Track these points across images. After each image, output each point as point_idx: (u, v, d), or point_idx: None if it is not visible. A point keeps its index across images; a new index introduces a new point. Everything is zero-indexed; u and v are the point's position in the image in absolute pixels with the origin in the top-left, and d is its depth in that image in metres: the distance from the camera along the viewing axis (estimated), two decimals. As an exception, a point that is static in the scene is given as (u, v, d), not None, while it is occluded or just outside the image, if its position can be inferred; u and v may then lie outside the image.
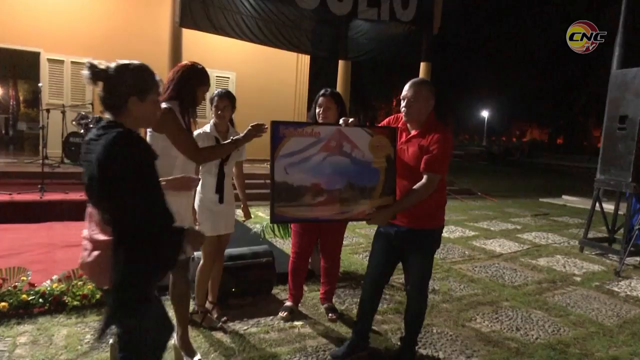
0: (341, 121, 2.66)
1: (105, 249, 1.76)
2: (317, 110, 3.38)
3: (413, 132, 2.76)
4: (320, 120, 3.33)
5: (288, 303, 3.67)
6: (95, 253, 1.83)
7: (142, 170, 1.71)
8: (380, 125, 2.98)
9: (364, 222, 6.98)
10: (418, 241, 2.79)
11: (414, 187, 2.64)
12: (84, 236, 1.94)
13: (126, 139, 1.70)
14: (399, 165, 2.76)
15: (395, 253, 2.89)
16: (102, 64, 1.79)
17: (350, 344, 3.05)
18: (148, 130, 2.64)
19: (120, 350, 1.95)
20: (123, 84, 1.79)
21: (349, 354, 3.02)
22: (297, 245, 3.60)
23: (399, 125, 2.86)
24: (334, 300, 3.84)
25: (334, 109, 3.36)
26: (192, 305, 3.48)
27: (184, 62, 2.83)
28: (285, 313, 3.56)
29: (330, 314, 3.61)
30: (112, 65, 1.80)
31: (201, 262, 3.37)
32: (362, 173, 2.59)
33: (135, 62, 1.85)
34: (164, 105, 2.58)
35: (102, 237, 1.79)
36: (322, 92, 3.43)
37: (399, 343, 3.13)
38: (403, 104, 2.74)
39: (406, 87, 2.74)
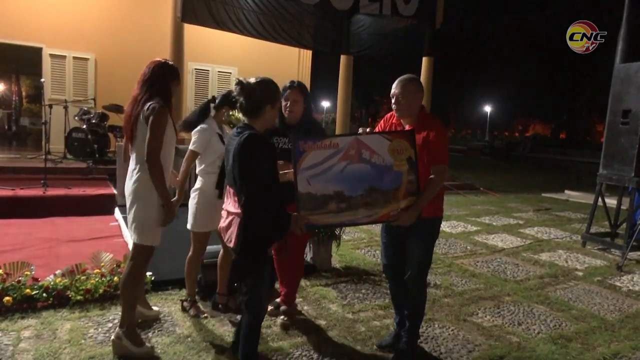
0: (360, 130, 2.76)
1: (234, 217, 2.40)
2: (284, 103, 3.26)
3: (407, 128, 2.85)
4: (286, 113, 3.30)
5: (277, 299, 3.61)
6: (228, 219, 2.47)
7: (264, 162, 2.32)
8: (377, 124, 3.11)
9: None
10: (417, 230, 2.83)
11: (429, 180, 2.74)
12: (224, 207, 2.57)
13: (254, 139, 2.32)
14: None
15: (401, 241, 2.96)
16: (246, 80, 2.44)
17: (395, 335, 3.16)
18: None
19: (245, 313, 2.52)
20: (261, 95, 2.42)
21: (394, 343, 3.11)
22: None
23: (394, 121, 2.97)
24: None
25: (301, 101, 3.30)
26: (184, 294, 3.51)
27: (156, 59, 2.87)
28: (271, 308, 3.51)
29: (282, 317, 3.41)
30: (252, 80, 2.45)
31: (190, 254, 3.46)
32: (384, 177, 2.65)
33: (266, 78, 2.51)
34: (155, 102, 2.66)
35: (233, 209, 2.43)
36: (288, 84, 3.33)
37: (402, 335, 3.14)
38: (393, 101, 2.86)
39: (394, 85, 2.87)
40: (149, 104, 2.70)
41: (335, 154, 2.59)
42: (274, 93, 2.48)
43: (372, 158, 2.63)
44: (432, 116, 2.92)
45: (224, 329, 3.24)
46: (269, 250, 2.60)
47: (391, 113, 2.99)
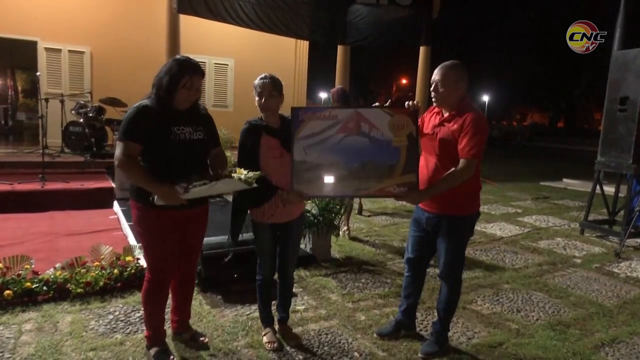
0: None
1: None
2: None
3: (446, 115, 2.74)
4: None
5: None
6: None
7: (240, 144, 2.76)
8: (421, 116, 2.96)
9: (364, 210, 6.91)
10: (447, 228, 2.77)
11: (450, 170, 2.62)
12: None
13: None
14: (431, 148, 2.77)
15: (429, 238, 2.90)
16: None
17: (397, 323, 3.13)
18: None
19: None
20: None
21: (394, 332, 3.11)
22: None
23: (435, 110, 2.84)
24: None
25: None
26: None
27: None
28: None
29: (201, 338, 2.94)
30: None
31: None
32: (382, 152, 2.64)
33: None
34: None
35: None
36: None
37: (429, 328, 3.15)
38: (432, 88, 2.74)
39: (435, 71, 2.75)
40: None
41: (334, 125, 2.61)
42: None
43: (371, 132, 2.62)
44: (473, 107, 2.68)
45: (225, 320, 3.26)
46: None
47: None
